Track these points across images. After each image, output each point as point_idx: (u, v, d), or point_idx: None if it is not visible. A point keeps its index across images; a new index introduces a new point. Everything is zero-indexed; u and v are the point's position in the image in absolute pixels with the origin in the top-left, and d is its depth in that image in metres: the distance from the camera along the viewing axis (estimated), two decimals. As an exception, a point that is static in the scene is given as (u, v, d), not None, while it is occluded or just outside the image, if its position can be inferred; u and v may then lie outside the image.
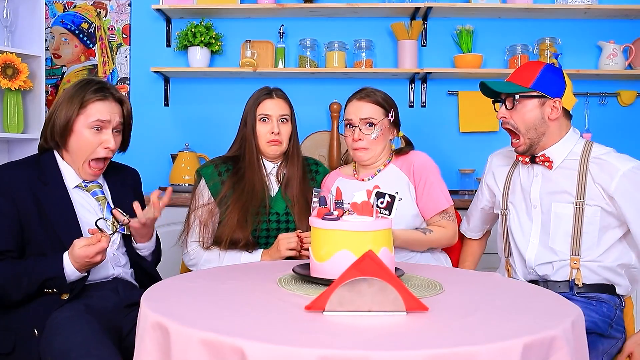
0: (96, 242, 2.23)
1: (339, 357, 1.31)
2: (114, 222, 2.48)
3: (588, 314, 2.36)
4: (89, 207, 2.51)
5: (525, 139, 2.54)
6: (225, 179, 2.88)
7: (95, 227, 2.35)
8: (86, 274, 2.33)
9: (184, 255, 2.89)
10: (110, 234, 2.33)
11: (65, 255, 2.26)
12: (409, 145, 2.99)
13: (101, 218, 2.43)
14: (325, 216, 2.00)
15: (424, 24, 4.51)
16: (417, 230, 2.81)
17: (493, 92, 2.61)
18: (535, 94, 2.50)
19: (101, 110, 2.45)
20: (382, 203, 2.11)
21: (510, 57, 4.43)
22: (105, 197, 2.54)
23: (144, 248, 2.64)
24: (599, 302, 2.47)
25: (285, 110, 2.95)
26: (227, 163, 2.94)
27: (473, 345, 1.37)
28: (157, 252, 2.77)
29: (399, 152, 2.96)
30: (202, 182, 2.91)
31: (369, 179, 2.90)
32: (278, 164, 2.98)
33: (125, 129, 2.59)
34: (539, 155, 2.57)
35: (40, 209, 2.34)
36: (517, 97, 2.52)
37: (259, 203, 2.84)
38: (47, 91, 4.47)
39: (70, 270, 2.25)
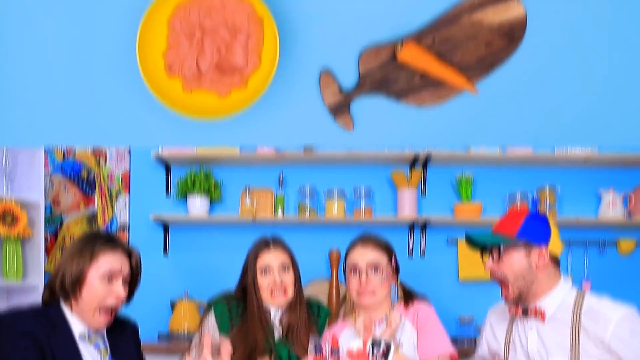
0: None
1: None
2: None
3: None
4: (93, 358, 2.47)
5: (514, 288, 2.52)
6: (234, 316, 2.91)
7: None
8: None
9: None
10: None
11: None
12: (411, 295, 2.94)
13: None
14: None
15: (424, 172, 4.55)
16: None
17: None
18: (520, 243, 2.51)
19: (112, 260, 2.46)
20: (377, 351, 2.09)
21: (510, 204, 4.43)
22: (107, 349, 2.50)
23: None
24: None
25: (285, 259, 2.95)
26: (239, 300, 2.96)
27: None
28: None
29: (406, 303, 2.91)
30: (212, 318, 2.94)
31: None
32: (282, 310, 2.95)
33: (132, 281, 2.60)
34: (531, 307, 2.53)
35: (54, 358, 2.32)
36: (502, 248, 2.53)
37: (264, 353, 2.81)
38: (46, 239, 4.46)
39: None
